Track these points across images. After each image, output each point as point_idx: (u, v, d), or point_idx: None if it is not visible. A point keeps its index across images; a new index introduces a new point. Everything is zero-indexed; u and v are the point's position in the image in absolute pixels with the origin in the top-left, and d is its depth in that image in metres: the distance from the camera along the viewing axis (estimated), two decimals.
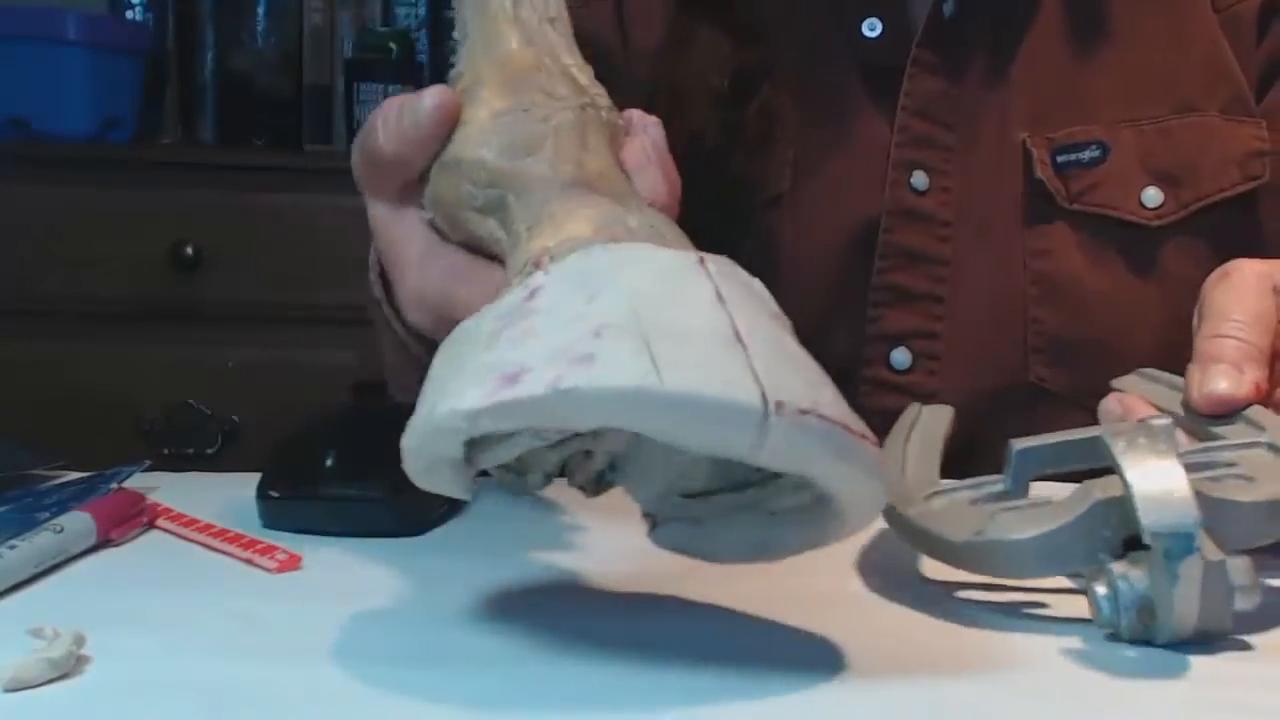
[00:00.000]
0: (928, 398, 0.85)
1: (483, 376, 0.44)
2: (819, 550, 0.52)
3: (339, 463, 0.67)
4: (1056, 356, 0.86)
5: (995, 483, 0.59)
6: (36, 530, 0.59)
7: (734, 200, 0.87)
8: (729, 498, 0.51)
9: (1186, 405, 0.62)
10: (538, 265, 0.50)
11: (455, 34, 0.62)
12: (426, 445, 0.47)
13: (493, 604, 0.56)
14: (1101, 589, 0.51)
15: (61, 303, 1.84)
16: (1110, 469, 0.52)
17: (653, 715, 0.45)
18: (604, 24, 0.91)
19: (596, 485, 0.53)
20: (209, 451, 1.85)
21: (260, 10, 2.05)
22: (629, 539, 0.55)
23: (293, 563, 0.60)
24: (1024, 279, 0.86)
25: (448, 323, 0.56)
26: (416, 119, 0.58)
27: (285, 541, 0.62)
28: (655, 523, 0.54)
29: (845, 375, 0.86)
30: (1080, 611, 0.52)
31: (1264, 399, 0.60)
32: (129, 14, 2.07)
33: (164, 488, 0.71)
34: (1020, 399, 0.86)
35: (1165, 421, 0.54)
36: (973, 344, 0.86)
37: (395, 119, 0.58)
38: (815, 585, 0.55)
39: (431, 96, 0.58)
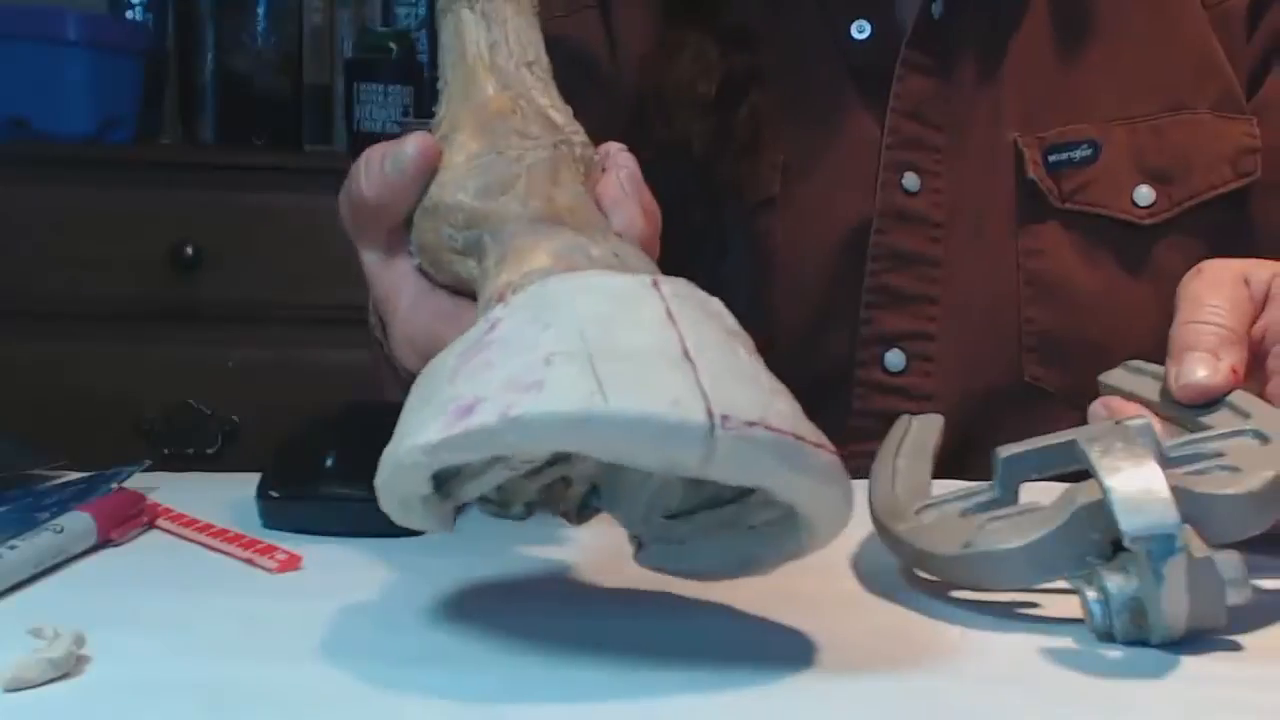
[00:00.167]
0: (922, 399, 0.85)
1: (442, 410, 0.45)
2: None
3: (339, 463, 0.67)
4: (1050, 356, 0.86)
5: (986, 490, 0.59)
6: (37, 530, 0.60)
7: (725, 205, 0.87)
8: (708, 516, 0.52)
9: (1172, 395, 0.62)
10: (500, 299, 0.51)
11: (438, 83, 0.63)
12: (394, 482, 0.48)
13: (492, 604, 0.56)
14: (1092, 593, 0.51)
15: (61, 303, 1.84)
16: None
17: (650, 713, 0.45)
18: (591, 32, 0.91)
19: (580, 512, 0.55)
20: (209, 451, 1.85)
21: (260, 10, 2.04)
22: (625, 539, 0.55)
23: (293, 563, 0.60)
24: (1017, 279, 0.86)
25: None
26: (399, 165, 0.59)
27: (285, 541, 0.62)
28: (640, 545, 0.55)
29: (839, 377, 0.86)
30: (1073, 612, 0.52)
31: (1242, 382, 0.60)
32: (129, 14, 2.07)
33: (164, 488, 0.71)
34: (1015, 399, 0.86)
35: (1142, 421, 0.55)
36: (966, 344, 0.86)
37: (377, 166, 0.59)
38: (810, 585, 0.55)
39: (412, 143, 0.59)
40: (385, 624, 0.53)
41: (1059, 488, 0.54)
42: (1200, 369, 0.60)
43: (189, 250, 1.84)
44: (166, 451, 1.82)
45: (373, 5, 2.12)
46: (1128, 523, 0.49)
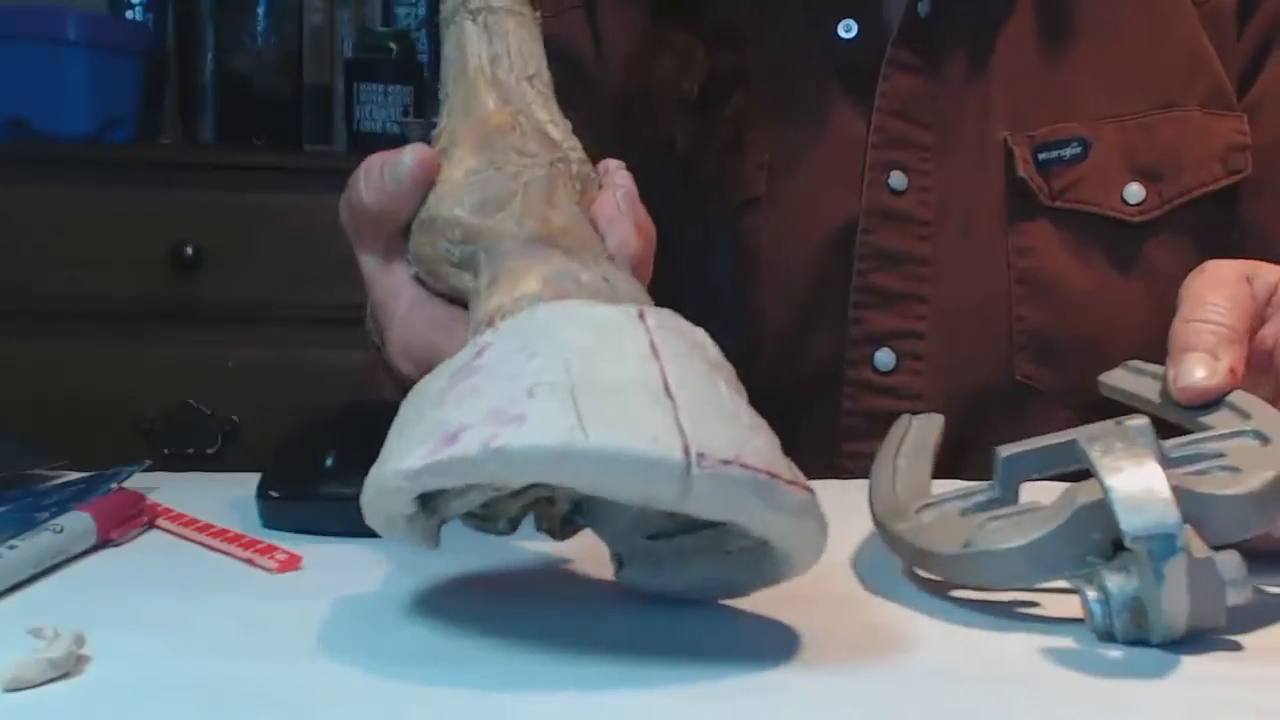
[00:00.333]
0: (913, 398, 0.85)
1: (427, 435, 0.47)
2: None
3: (339, 462, 0.67)
4: (1042, 354, 0.86)
5: (986, 490, 0.59)
6: (36, 530, 0.60)
7: (710, 204, 0.87)
8: (687, 539, 0.53)
9: (1172, 395, 0.62)
10: (490, 323, 0.52)
11: (440, 93, 0.63)
12: (378, 502, 0.50)
13: (493, 604, 0.56)
14: (1092, 593, 0.51)
15: (61, 303, 1.84)
16: None
17: (652, 713, 0.45)
18: (577, 32, 0.91)
19: (563, 528, 0.56)
20: (209, 451, 1.85)
21: (260, 10, 2.04)
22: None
23: (293, 563, 0.60)
24: (1007, 277, 0.86)
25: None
26: (397, 175, 0.59)
27: (285, 541, 0.62)
28: (621, 563, 0.56)
29: (829, 377, 0.86)
30: (1074, 612, 0.52)
31: (1241, 382, 0.60)
32: (129, 14, 2.07)
33: (164, 488, 0.71)
34: (1006, 398, 0.86)
35: (1142, 421, 0.55)
36: (957, 344, 0.86)
37: (377, 175, 0.60)
38: (810, 584, 0.55)
39: (410, 154, 0.59)
40: (385, 623, 0.53)
41: (1059, 487, 0.54)
42: (1199, 370, 0.60)
43: (189, 250, 1.84)
44: (166, 451, 1.82)
45: (373, 5, 2.12)
46: (1128, 522, 0.49)
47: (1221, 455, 0.55)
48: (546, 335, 0.49)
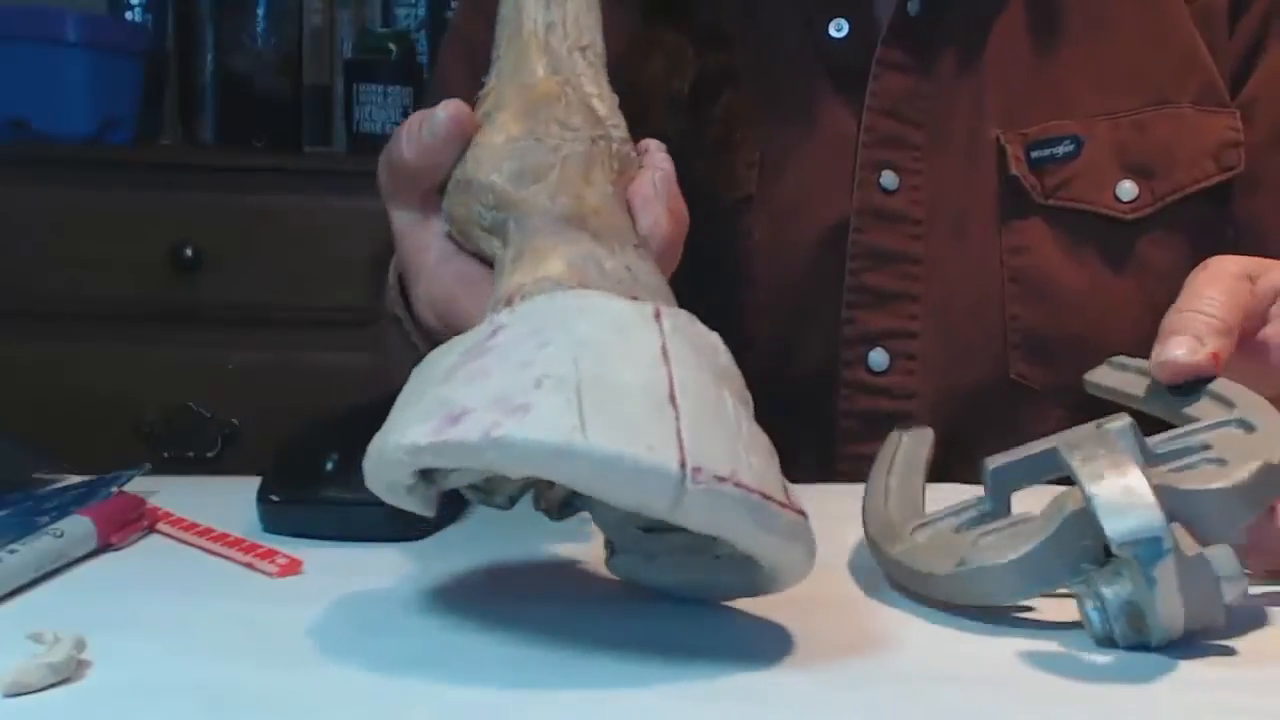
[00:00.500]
0: (907, 398, 0.85)
1: (432, 412, 0.47)
2: None
3: (340, 466, 0.67)
4: (1035, 353, 0.86)
5: (978, 504, 0.59)
6: (37, 534, 0.59)
7: (701, 204, 0.87)
8: (679, 537, 0.53)
9: (1156, 388, 0.62)
10: (508, 302, 0.52)
11: (493, 53, 0.63)
12: (380, 471, 0.50)
13: (493, 608, 0.56)
14: (1089, 601, 0.51)
15: (61, 304, 1.84)
16: None
17: (649, 714, 0.45)
18: None
19: (560, 511, 0.56)
20: (209, 455, 1.85)
21: (260, 11, 2.04)
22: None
23: (293, 567, 0.60)
24: (1001, 276, 0.86)
25: (451, 329, 0.58)
26: (433, 130, 0.60)
27: (286, 545, 0.62)
28: (613, 550, 0.57)
29: (822, 378, 0.86)
30: (1072, 615, 0.53)
31: (1223, 370, 0.60)
32: (129, 15, 2.07)
33: (164, 491, 0.71)
34: (1000, 396, 0.86)
35: (1122, 424, 0.55)
36: (951, 343, 0.86)
37: (416, 130, 0.61)
38: (806, 587, 0.54)
39: (445, 109, 0.60)
40: (386, 628, 0.53)
41: (1055, 490, 0.54)
42: (1180, 349, 0.60)
43: (189, 251, 1.84)
44: (166, 455, 1.82)
45: (372, 6, 2.12)
46: (1113, 529, 0.49)
47: (1207, 447, 0.55)
48: (561, 325, 0.49)
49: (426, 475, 0.51)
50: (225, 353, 1.86)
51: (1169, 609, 0.49)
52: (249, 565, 0.61)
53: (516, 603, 0.57)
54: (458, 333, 0.58)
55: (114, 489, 0.69)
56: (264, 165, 1.95)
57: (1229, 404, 0.58)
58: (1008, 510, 0.59)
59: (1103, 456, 0.51)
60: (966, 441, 0.77)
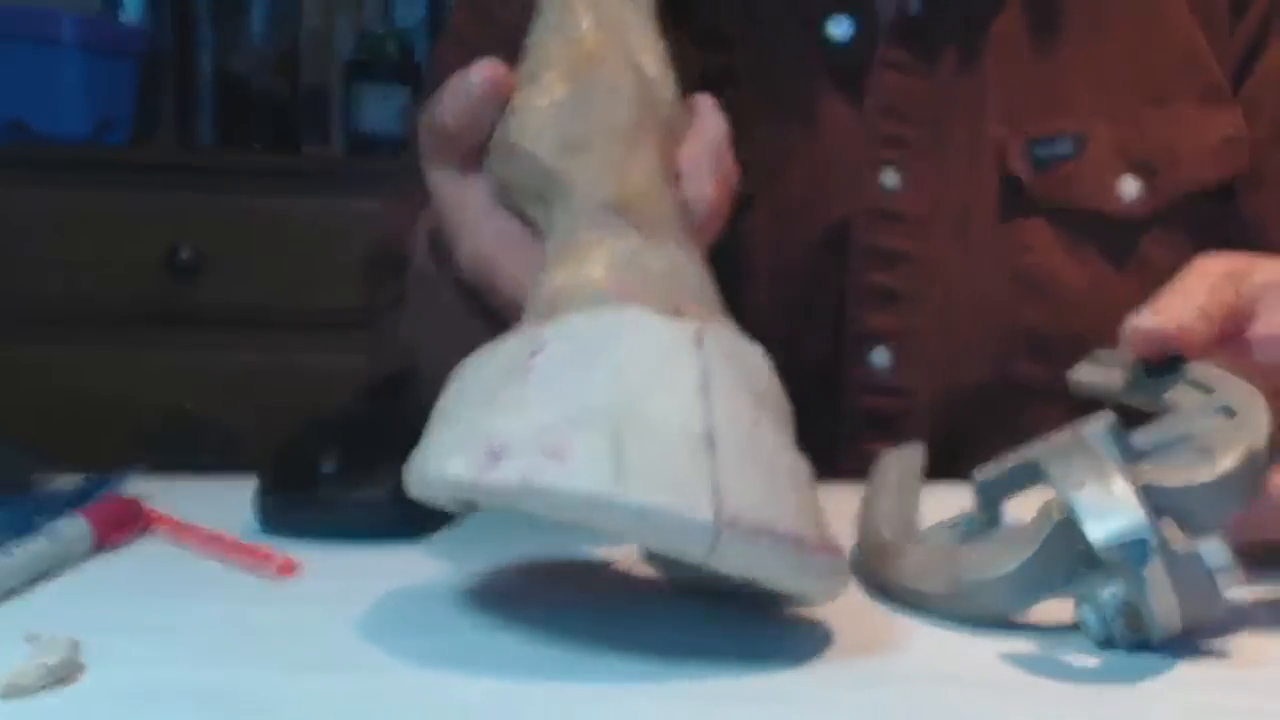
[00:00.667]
0: (909, 396, 0.85)
1: (471, 443, 0.48)
2: None
3: (338, 468, 0.67)
4: (1037, 352, 0.86)
5: (971, 517, 0.59)
6: (32, 536, 0.59)
7: None
8: None
9: (1137, 380, 0.62)
10: (551, 305, 0.52)
11: (535, 7, 0.62)
12: (419, 484, 0.50)
13: (493, 608, 0.56)
14: (1085, 606, 0.51)
15: (58, 305, 1.84)
16: None
17: (654, 716, 0.45)
18: None
19: None
20: (207, 456, 1.85)
21: (257, 12, 2.04)
22: (630, 545, 0.55)
23: (291, 568, 0.60)
24: (1002, 275, 0.86)
25: (488, 290, 0.60)
26: (468, 92, 0.60)
27: (284, 546, 0.62)
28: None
29: (825, 376, 0.86)
30: (1070, 616, 0.52)
31: (1194, 347, 0.59)
32: (125, 16, 2.07)
33: (161, 492, 0.71)
34: (1002, 395, 0.86)
35: (1099, 428, 0.54)
36: (953, 342, 0.86)
37: (456, 92, 0.60)
38: None
39: (478, 71, 0.60)
40: (384, 629, 0.53)
41: (1049, 493, 0.53)
42: (1151, 318, 0.59)
43: (186, 252, 1.84)
44: (163, 456, 1.82)
45: (371, 6, 2.12)
46: (1097, 535, 0.49)
47: (1191, 437, 0.55)
48: (601, 349, 0.49)
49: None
50: (222, 354, 1.86)
51: (1164, 607, 0.49)
52: (246, 566, 0.61)
53: (516, 602, 0.57)
54: (494, 293, 0.59)
55: (110, 490, 0.69)
56: (262, 166, 1.95)
57: (1208, 390, 0.57)
58: (999, 521, 0.59)
59: (1082, 463, 0.51)
60: (968, 440, 0.77)
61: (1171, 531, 0.49)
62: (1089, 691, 0.48)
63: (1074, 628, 0.52)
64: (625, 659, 0.49)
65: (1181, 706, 0.47)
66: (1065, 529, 0.51)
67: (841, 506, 0.64)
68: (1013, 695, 0.47)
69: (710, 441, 0.47)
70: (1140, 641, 0.50)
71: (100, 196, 1.86)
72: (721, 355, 0.50)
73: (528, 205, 0.58)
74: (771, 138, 0.87)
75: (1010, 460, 0.59)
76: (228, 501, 0.68)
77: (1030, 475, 0.57)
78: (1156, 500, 0.50)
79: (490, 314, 0.61)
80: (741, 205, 0.87)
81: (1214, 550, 0.49)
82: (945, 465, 0.68)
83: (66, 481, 0.73)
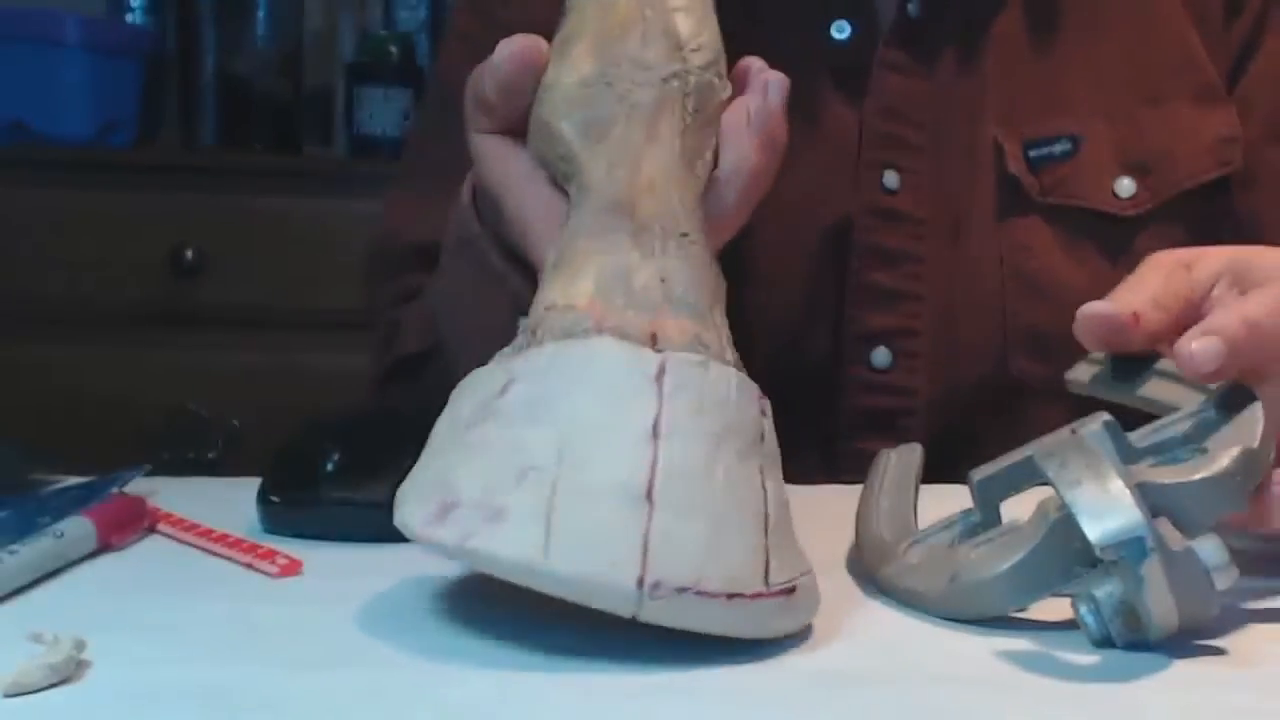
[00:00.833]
0: (908, 395, 0.86)
1: (430, 494, 0.50)
2: (811, 548, 0.54)
3: (340, 467, 0.67)
4: (1036, 350, 0.86)
5: (968, 516, 0.59)
6: (37, 535, 0.59)
7: None
8: None
9: (1133, 381, 0.62)
10: (536, 324, 0.53)
11: None
12: (396, 521, 0.53)
13: (493, 609, 0.56)
14: (1083, 604, 0.51)
15: (61, 306, 1.84)
16: None
17: (652, 716, 0.45)
18: None
19: None
20: (210, 456, 1.85)
21: (260, 13, 2.04)
22: None
23: (294, 567, 0.60)
24: (1001, 274, 0.86)
25: (525, 256, 0.62)
26: (498, 68, 0.61)
27: (286, 546, 0.62)
28: None
29: (825, 375, 0.87)
30: (1067, 614, 0.52)
31: (1145, 333, 0.60)
32: (129, 16, 2.07)
33: (164, 492, 0.71)
34: (1001, 393, 0.86)
35: (1096, 427, 0.55)
36: (952, 341, 0.87)
37: (494, 63, 0.62)
38: None
39: (505, 46, 0.61)
40: (386, 628, 0.53)
41: (1045, 492, 0.54)
42: (1101, 305, 0.60)
43: (189, 253, 1.84)
44: (166, 456, 1.82)
45: (373, 8, 2.12)
46: (1094, 534, 0.49)
47: (1188, 436, 0.55)
48: (562, 394, 0.50)
49: None
50: (225, 354, 1.85)
51: (1161, 605, 0.49)
52: (249, 566, 0.61)
53: (516, 602, 0.57)
54: (528, 261, 0.61)
55: (114, 490, 0.69)
56: (264, 167, 1.95)
57: (1205, 390, 0.58)
58: (997, 520, 0.59)
59: (1079, 462, 0.51)
60: (967, 439, 0.77)
61: (1168, 530, 0.50)
62: (1086, 689, 0.48)
63: (1071, 626, 0.52)
64: (625, 657, 0.49)
65: (1178, 704, 0.47)
66: (1062, 528, 0.51)
67: (840, 506, 0.64)
68: (1010, 693, 0.48)
69: (648, 498, 0.48)
70: (1137, 640, 0.51)
71: (103, 197, 1.86)
72: (683, 390, 0.51)
73: (560, 179, 0.60)
74: None
75: (1008, 459, 0.59)
76: (230, 501, 0.68)
77: (1027, 474, 0.57)
78: (1153, 499, 0.50)
79: (531, 275, 0.62)
80: None
81: (1210, 549, 0.50)
82: (944, 464, 0.68)
83: (70, 481, 0.73)
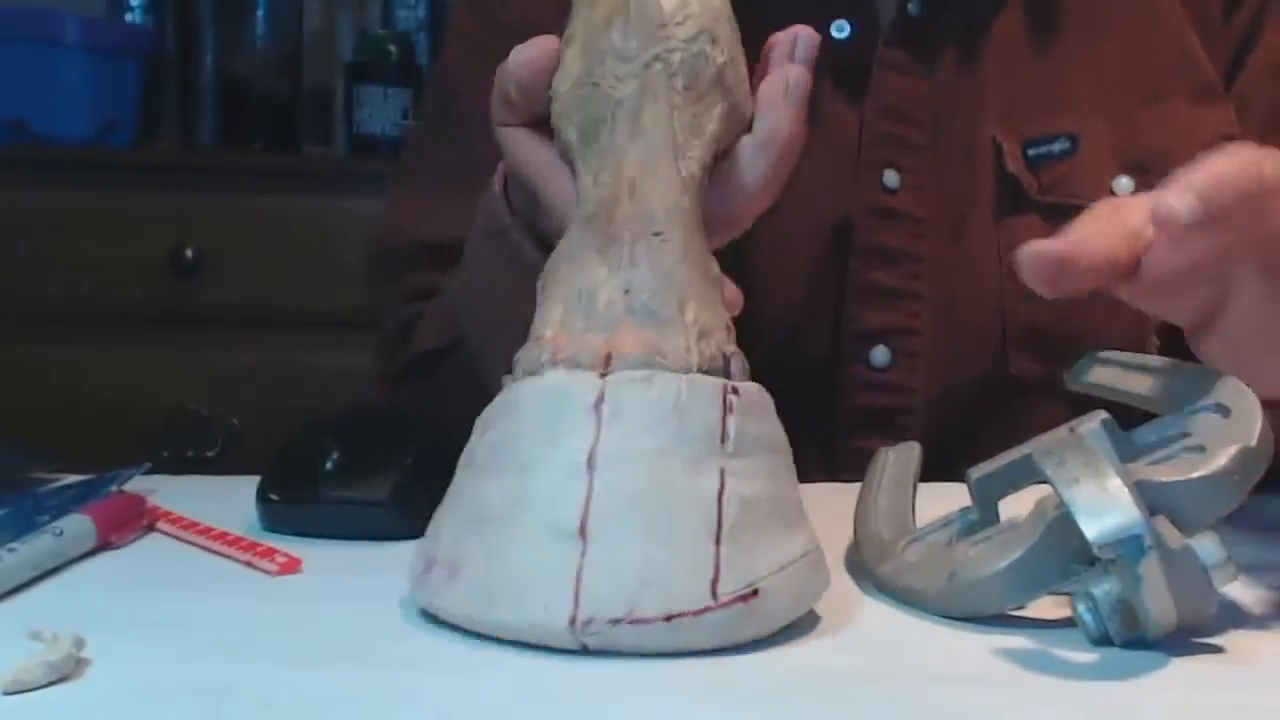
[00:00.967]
0: (907, 394, 0.86)
1: (425, 546, 0.54)
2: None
3: (339, 466, 0.67)
4: (1034, 348, 0.86)
5: (967, 514, 0.59)
6: (36, 533, 0.60)
7: None
8: None
9: (1131, 380, 0.62)
10: (515, 365, 0.55)
11: None
12: None
13: None
14: (1081, 602, 0.51)
15: (61, 306, 1.84)
16: None
17: (647, 715, 0.45)
18: None
19: None
20: (209, 454, 1.85)
21: (260, 13, 2.04)
22: None
23: (293, 565, 0.60)
24: (999, 273, 0.86)
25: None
26: (509, 73, 0.62)
27: (286, 544, 0.62)
28: None
29: (825, 373, 0.87)
30: (1064, 612, 0.53)
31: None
32: (128, 16, 2.07)
33: (164, 490, 0.71)
34: (999, 392, 0.86)
35: (1094, 425, 0.55)
36: (951, 339, 0.87)
37: (512, 64, 0.62)
38: None
39: (519, 52, 0.62)
40: (385, 627, 0.53)
41: (1043, 490, 0.54)
42: (1042, 243, 0.57)
43: (189, 253, 1.84)
44: (166, 454, 1.82)
45: (372, 8, 2.12)
46: (1092, 532, 0.49)
47: (1186, 435, 0.55)
48: (512, 440, 0.52)
49: None
50: (225, 354, 1.86)
51: (1159, 604, 0.49)
52: (248, 564, 0.61)
53: None
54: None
55: (114, 488, 0.69)
56: (264, 167, 1.95)
57: (1204, 389, 0.58)
58: (996, 518, 0.59)
59: (1077, 460, 0.51)
60: (965, 437, 0.77)
61: (1166, 528, 0.50)
62: (1084, 687, 0.48)
63: (1070, 624, 0.52)
64: (622, 655, 0.49)
65: (1176, 703, 0.47)
66: (1060, 526, 0.51)
67: (840, 506, 0.64)
68: (1008, 691, 0.48)
69: (581, 534, 0.49)
70: (1135, 638, 0.51)
71: (103, 197, 1.86)
72: (620, 414, 0.51)
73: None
74: None
75: (1006, 457, 0.59)
76: (230, 499, 0.68)
77: (1026, 472, 0.58)
78: (1151, 497, 0.50)
79: None
80: None
81: (1209, 547, 0.50)
82: (942, 463, 0.68)
83: (70, 480, 0.73)
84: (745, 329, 0.57)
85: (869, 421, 0.85)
